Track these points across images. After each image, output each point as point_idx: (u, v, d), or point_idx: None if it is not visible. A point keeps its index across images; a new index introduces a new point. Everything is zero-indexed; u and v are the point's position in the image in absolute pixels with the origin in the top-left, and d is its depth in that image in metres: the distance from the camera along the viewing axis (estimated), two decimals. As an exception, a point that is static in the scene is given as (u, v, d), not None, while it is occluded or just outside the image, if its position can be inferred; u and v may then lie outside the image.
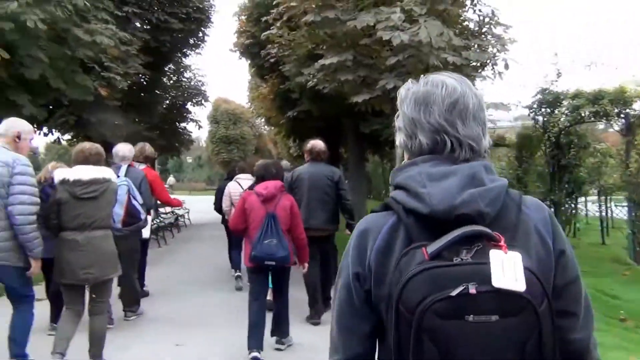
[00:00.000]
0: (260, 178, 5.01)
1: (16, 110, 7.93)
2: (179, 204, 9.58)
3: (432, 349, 1.01)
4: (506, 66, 8.17)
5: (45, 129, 12.98)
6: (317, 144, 6.61)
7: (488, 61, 8.63)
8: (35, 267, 4.06)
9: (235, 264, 8.50)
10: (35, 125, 14.09)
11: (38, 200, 4.03)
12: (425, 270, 1.03)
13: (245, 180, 7.94)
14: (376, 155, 23.29)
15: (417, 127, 1.23)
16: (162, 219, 14.02)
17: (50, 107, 11.06)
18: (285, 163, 8.35)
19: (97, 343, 4.32)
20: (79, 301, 4.38)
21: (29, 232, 3.90)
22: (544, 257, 1.16)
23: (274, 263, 4.69)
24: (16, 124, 4.22)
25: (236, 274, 8.35)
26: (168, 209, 16.74)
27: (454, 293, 0.99)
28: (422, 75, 1.32)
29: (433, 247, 1.06)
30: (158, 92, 19.15)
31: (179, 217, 17.68)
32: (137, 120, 16.36)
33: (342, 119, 14.27)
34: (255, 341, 4.70)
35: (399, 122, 1.30)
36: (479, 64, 8.58)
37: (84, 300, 4.46)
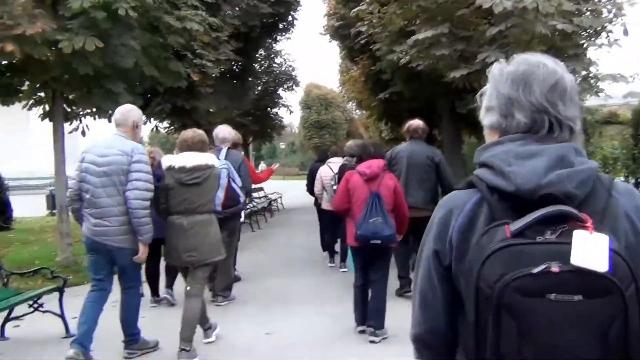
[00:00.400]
0: (358, 158, 5.04)
1: (112, 99, 8.11)
2: (268, 176, 9.54)
3: (511, 325, 1.01)
4: (625, 32, 7.27)
5: (143, 118, 13.39)
6: (416, 122, 6.50)
7: (602, 27, 7.73)
8: (143, 252, 4.23)
9: (327, 247, 8.46)
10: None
11: (152, 187, 4.22)
12: (506, 247, 1.04)
13: (336, 163, 7.89)
14: (472, 137, 22.34)
15: (514, 106, 1.22)
16: (255, 204, 14.11)
17: (147, 95, 11.34)
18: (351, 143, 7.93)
19: (188, 326, 4.33)
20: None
21: (141, 216, 4.09)
22: (634, 244, 1.13)
23: (379, 242, 4.66)
24: (133, 112, 4.37)
25: (328, 258, 8.33)
26: (262, 193, 16.95)
27: (535, 270, 0.99)
28: (513, 56, 1.30)
29: (516, 225, 1.06)
30: (250, 79, 19.32)
31: (272, 202, 17.80)
32: (229, 106, 16.57)
33: (437, 99, 13.66)
34: (360, 315, 4.88)
35: (489, 101, 1.28)
36: (592, 31, 7.72)
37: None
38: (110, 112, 8.68)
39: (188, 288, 4.46)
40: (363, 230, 4.63)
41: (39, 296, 4.90)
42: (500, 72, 1.28)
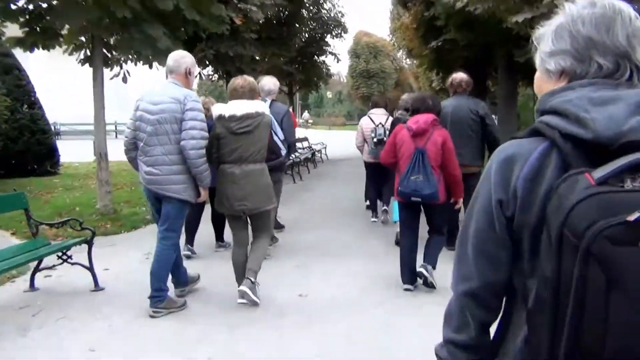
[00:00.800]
0: (415, 111, 4.88)
1: (151, 44, 7.81)
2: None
3: (598, 276, 0.95)
4: None
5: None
6: (460, 75, 6.24)
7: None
8: (204, 195, 4.35)
9: (370, 201, 8.26)
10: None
11: (207, 134, 4.19)
12: (595, 195, 0.98)
13: (378, 115, 7.74)
14: (528, 88, 21.31)
15: (595, 49, 1.15)
16: (298, 155, 13.78)
17: (188, 41, 10.98)
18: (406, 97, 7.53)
19: (254, 259, 4.43)
20: (243, 231, 4.58)
21: (200, 165, 4.12)
22: None
23: (420, 200, 4.64)
24: (185, 59, 4.28)
25: (372, 213, 8.15)
26: (305, 144, 16.62)
27: (631, 218, 0.93)
28: None
29: (599, 173, 1.00)
30: (296, 25, 18.73)
31: (316, 153, 17.46)
32: (275, 54, 16.11)
33: (493, 48, 12.84)
34: (407, 276, 4.82)
35: (558, 44, 1.20)
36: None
37: (247, 229, 4.64)
38: (150, 57, 8.42)
39: (253, 240, 4.56)
40: (404, 187, 4.63)
41: (68, 247, 4.76)
42: (579, 11, 1.19)
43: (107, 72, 8.99)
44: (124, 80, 9.33)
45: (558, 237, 1.02)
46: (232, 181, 4.31)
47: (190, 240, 6.02)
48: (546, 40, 1.23)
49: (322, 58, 21.75)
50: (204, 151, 4.17)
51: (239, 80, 4.49)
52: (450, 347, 1.32)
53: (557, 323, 1.02)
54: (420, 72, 29.63)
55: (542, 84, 1.26)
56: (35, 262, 4.76)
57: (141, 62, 9.10)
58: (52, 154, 14.58)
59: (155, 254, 4.29)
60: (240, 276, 4.44)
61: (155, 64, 8.75)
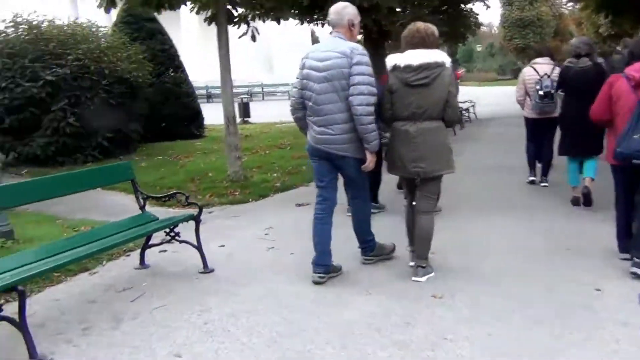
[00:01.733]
0: (635, 57, 4.15)
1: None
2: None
3: None
4: None
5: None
6: None
7: None
8: (371, 160, 3.97)
9: (531, 163, 7.34)
10: (303, 14, 13.70)
11: (375, 90, 3.89)
12: None
13: (542, 65, 6.81)
14: None
15: None
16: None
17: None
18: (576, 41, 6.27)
19: (421, 242, 4.06)
20: (414, 196, 4.22)
21: (367, 123, 3.84)
22: None
23: None
24: (347, 9, 4.05)
25: (530, 177, 7.30)
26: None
27: None
28: None
29: None
30: (441, -30, 17.09)
31: (463, 112, 16.01)
32: (417, 3, 14.80)
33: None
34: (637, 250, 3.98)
35: None
36: None
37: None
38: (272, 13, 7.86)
39: (416, 204, 4.14)
40: (624, 147, 3.94)
41: (175, 224, 4.32)
42: None
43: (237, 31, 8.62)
44: (253, 38, 8.90)
45: None
46: (406, 140, 3.96)
47: (373, 198, 5.71)
48: None
49: (470, 6, 19.82)
50: (372, 108, 3.87)
51: (420, 25, 4.07)
52: None
53: None
54: (584, 17, 26.49)
55: None
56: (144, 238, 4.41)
57: (269, 18, 8.59)
58: (197, 117, 14.91)
59: (351, 212, 4.36)
60: (412, 239, 4.24)
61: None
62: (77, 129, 9.92)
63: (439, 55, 3.94)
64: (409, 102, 3.93)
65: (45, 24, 10.67)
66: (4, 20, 10.51)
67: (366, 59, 3.89)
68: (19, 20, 10.52)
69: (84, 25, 11.20)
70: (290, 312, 3.49)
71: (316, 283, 3.95)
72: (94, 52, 10.41)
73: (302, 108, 4.12)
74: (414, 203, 4.18)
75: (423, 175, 4.00)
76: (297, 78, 4.12)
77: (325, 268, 4.02)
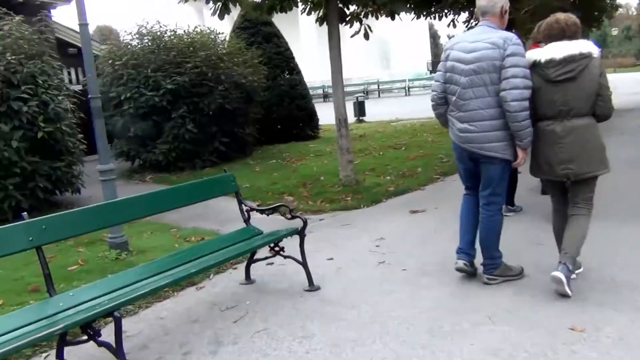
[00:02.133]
0: None
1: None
2: None
3: None
4: None
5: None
6: None
7: None
8: (522, 158, 3.74)
9: None
10: (419, 8, 13.10)
11: (531, 84, 3.59)
12: None
13: None
14: None
15: None
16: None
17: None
18: None
19: (570, 240, 3.66)
20: (563, 199, 3.89)
21: (522, 119, 3.57)
22: None
23: None
24: None
25: None
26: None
27: None
28: None
29: None
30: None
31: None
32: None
33: None
34: None
35: None
36: None
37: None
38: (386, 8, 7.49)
39: (569, 210, 3.79)
40: None
41: (279, 239, 4.11)
42: None
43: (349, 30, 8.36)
44: (366, 36, 8.57)
45: None
46: (553, 141, 3.65)
47: (510, 200, 5.52)
48: None
49: (606, -13, 18.08)
50: (527, 103, 3.58)
51: (560, 16, 3.75)
52: None
53: None
54: None
55: None
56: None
57: (382, 14, 8.23)
58: (311, 118, 14.92)
59: (480, 220, 3.90)
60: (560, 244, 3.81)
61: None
62: (196, 134, 10.20)
63: (585, 46, 3.58)
64: (554, 100, 3.62)
65: (167, 34, 11.11)
66: (130, 33, 11.09)
67: (521, 49, 3.60)
68: (143, 31, 11.04)
69: (203, 32, 11.53)
70: (399, 345, 3.10)
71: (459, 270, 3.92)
72: (211, 59, 10.65)
73: (444, 103, 3.89)
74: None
75: (573, 177, 3.67)
76: (439, 70, 3.89)
77: (468, 257, 3.91)
